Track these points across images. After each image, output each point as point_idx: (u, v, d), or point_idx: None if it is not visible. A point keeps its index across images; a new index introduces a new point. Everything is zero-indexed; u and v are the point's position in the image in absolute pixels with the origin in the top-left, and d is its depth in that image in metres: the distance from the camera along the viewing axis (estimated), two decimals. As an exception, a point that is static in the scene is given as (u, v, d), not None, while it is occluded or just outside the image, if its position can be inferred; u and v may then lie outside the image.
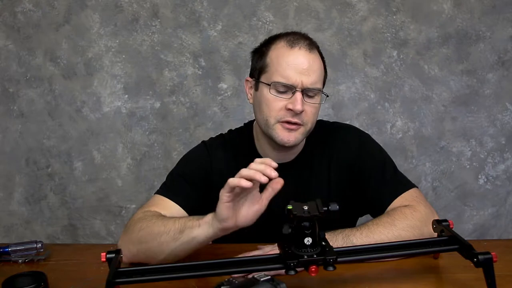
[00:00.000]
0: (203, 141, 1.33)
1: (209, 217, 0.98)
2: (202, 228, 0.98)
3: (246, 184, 0.89)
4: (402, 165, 2.11)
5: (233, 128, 1.37)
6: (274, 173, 0.90)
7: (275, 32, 2.04)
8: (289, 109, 1.14)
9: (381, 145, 1.31)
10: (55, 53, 2.16)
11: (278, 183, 0.92)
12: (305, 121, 1.17)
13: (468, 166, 2.15)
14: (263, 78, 1.19)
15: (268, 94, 1.16)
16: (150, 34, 2.13)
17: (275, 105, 1.16)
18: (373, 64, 2.11)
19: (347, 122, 1.40)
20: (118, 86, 2.17)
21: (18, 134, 2.22)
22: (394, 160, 1.28)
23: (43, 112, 2.20)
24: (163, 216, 1.12)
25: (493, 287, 0.86)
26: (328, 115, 2.12)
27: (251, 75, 1.25)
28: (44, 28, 2.15)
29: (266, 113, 1.18)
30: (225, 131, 1.38)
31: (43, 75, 2.18)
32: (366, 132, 1.34)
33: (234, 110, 2.14)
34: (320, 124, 1.31)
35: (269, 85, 1.16)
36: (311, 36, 2.06)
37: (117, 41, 2.14)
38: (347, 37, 2.09)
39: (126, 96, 2.18)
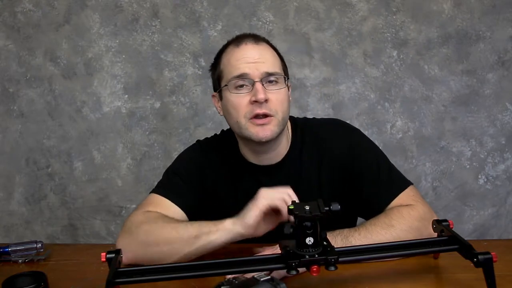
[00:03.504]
0: (198, 141, 1.33)
1: (228, 223, 1.01)
2: (221, 234, 1.01)
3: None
4: (402, 165, 2.11)
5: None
6: None
7: (275, 32, 2.06)
8: (254, 102, 1.13)
9: (381, 145, 1.30)
10: (55, 53, 2.16)
11: None
12: (274, 110, 1.14)
13: (468, 166, 2.15)
14: (222, 84, 1.19)
15: (230, 95, 1.16)
16: (150, 34, 2.13)
17: (240, 102, 1.14)
18: (373, 64, 2.11)
19: (347, 122, 1.37)
20: (118, 86, 2.17)
21: (18, 134, 2.23)
22: (394, 160, 1.26)
23: (43, 112, 2.20)
24: (169, 218, 1.12)
25: (493, 287, 0.86)
26: (328, 115, 2.12)
27: (214, 89, 1.25)
28: (44, 28, 2.15)
29: (234, 114, 1.16)
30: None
31: (43, 75, 2.18)
32: (366, 131, 1.33)
33: (234, 110, 2.14)
34: (306, 122, 1.30)
35: (227, 85, 1.16)
36: (311, 36, 2.09)
37: (117, 41, 2.14)
38: (347, 37, 2.09)
39: (126, 96, 2.18)
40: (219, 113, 1.25)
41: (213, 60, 1.25)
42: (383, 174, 1.20)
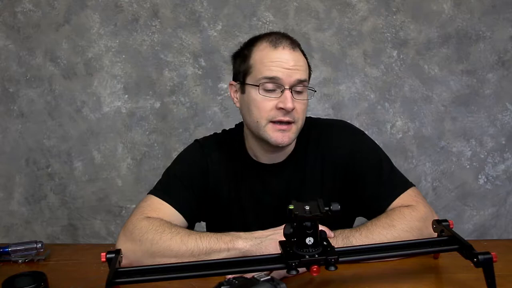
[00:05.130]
0: (196, 140, 1.31)
1: (241, 243, 1.02)
2: (232, 253, 1.02)
3: None
4: (402, 165, 2.11)
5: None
6: None
7: (275, 32, 2.06)
8: (280, 108, 1.13)
9: (381, 145, 1.30)
10: (55, 53, 2.16)
11: None
12: (296, 118, 1.15)
13: (468, 166, 2.15)
14: (249, 80, 1.16)
15: (256, 95, 1.14)
16: (150, 34, 2.13)
17: (265, 105, 1.14)
18: (373, 64, 2.11)
19: (351, 123, 1.37)
20: (118, 86, 2.17)
21: (18, 134, 2.23)
22: (394, 160, 1.27)
23: (43, 112, 2.20)
24: (175, 227, 1.10)
25: (493, 287, 0.86)
26: (328, 115, 2.12)
27: (235, 79, 1.23)
28: (44, 28, 2.15)
29: (256, 114, 1.16)
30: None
31: (43, 75, 2.18)
32: (366, 131, 1.33)
33: (234, 110, 2.14)
34: (311, 122, 1.29)
35: (257, 86, 1.14)
36: (311, 36, 2.09)
37: (117, 41, 2.14)
38: (347, 37, 2.09)
39: (126, 96, 2.18)
40: (234, 103, 1.24)
41: (240, 48, 1.23)
42: (385, 175, 1.20)
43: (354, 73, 2.12)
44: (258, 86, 1.14)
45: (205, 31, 2.12)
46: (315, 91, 1.20)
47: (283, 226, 0.91)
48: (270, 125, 1.14)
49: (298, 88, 1.14)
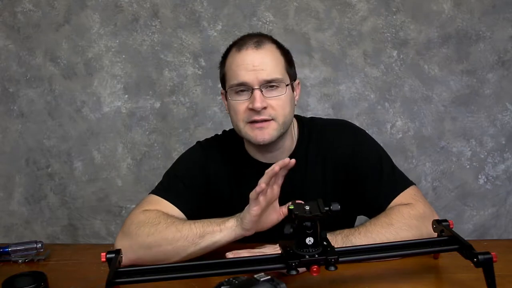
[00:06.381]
0: (198, 142, 1.33)
1: (231, 222, 1.04)
2: (224, 233, 1.04)
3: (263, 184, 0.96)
4: (402, 165, 2.11)
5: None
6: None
7: (275, 32, 2.06)
8: (251, 109, 1.14)
9: (381, 145, 1.30)
10: (55, 53, 2.16)
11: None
12: (274, 115, 1.15)
13: (468, 166, 2.15)
14: (226, 87, 1.21)
15: (231, 100, 1.18)
16: (150, 34, 2.13)
17: (239, 108, 1.16)
18: (373, 64, 2.11)
19: (353, 123, 1.37)
20: (118, 86, 2.17)
21: (18, 134, 2.23)
22: (394, 160, 1.27)
23: (43, 112, 2.20)
24: (170, 218, 1.12)
25: (493, 287, 0.86)
26: (328, 115, 2.12)
27: (222, 87, 1.27)
28: (44, 28, 2.15)
29: (234, 118, 1.19)
30: (224, 131, 1.38)
31: (43, 75, 2.18)
32: (366, 131, 1.33)
33: (234, 110, 2.14)
34: (312, 122, 1.30)
35: (227, 91, 1.19)
36: (311, 36, 2.09)
37: (117, 41, 2.14)
38: (347, 37, 2.09)
39: (126, 96, 2.18)
40: (226, 110, 1.26)
41: (221, 57, 1.26)
42: (385, 174, 1.21)
43: (354, 73, 2.12)
44: (227, 91, 1.18)
45: (205, 31, 2.12)
46: (287, 85, 1.19)
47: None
48: (248, 126, 1.17)
49: (271, 84, 1.15)
